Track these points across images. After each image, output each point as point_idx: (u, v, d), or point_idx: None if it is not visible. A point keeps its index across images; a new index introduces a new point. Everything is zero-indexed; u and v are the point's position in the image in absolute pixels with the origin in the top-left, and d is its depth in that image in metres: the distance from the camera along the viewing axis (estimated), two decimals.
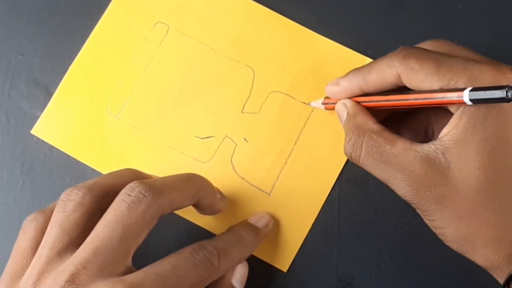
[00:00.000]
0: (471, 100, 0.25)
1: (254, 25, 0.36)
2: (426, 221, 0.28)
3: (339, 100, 0.32)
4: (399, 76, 0.28)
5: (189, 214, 0.34)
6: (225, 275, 0.31)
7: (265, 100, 0.35)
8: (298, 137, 0.35)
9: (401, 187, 0.27)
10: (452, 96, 0.25)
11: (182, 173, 0.30)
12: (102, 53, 0.36)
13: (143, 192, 0.27)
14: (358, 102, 0.31)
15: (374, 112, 0.30)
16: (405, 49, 0.28)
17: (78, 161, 0.35)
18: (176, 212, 0.34)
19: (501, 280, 0.27)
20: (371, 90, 0.30)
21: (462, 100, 0.25)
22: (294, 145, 0.35)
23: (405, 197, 0.28)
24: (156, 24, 0.37)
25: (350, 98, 0.31)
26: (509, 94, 0.24)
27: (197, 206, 0.31)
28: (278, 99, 0.35)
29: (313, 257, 0.34)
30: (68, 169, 0.35)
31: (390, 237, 0.34)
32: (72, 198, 0.28)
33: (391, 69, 0.28)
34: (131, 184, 0.27)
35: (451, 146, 0.26)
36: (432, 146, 0.27)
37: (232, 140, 0.35)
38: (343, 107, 0.31)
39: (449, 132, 0.27)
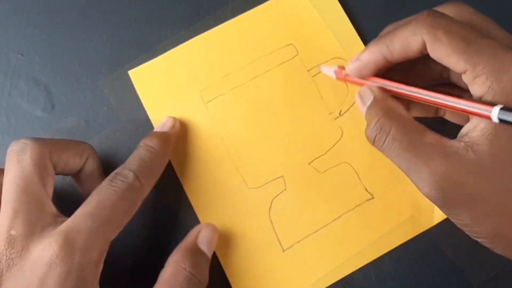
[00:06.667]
0: (499, 119, 0.24)
1: None
2: (453, 220, 0.27)
3: (361, 77, 0.30)
4: (424, 44, 0.26)
5: None
6: (189, 238, 0.32)
7: (335, 166, 0.35)
8: (340, 216, 0.34)
9: (426, 182, 0.26)
10: (481, 108, 0.25)
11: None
12: (230, 40, 0.36)
13: (23, 141, 0.29)
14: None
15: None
16: (430, 15, 0.26)
17: None
18: None
19: None
20: (396, 59, 0.28)
21: (489, 115, 0.24)
22: (333, 220, 0.34)
23: (429, 195, 0.26)
24: (288, 45, 0.36)
25: (373, 73, 0.29)
26: None
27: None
28: (346, 172, 0.34)
29: None
30: None
31: None
32: None
33: (417, 37, 0.26)
34: (13, 142, 0.29)
35: (480, 142, 0.25)
36: (462, 143, 0.26)
37: (284, 183, 0.34)
38: (369, 91, 0.29)
39: (476, 127, 0.26)
